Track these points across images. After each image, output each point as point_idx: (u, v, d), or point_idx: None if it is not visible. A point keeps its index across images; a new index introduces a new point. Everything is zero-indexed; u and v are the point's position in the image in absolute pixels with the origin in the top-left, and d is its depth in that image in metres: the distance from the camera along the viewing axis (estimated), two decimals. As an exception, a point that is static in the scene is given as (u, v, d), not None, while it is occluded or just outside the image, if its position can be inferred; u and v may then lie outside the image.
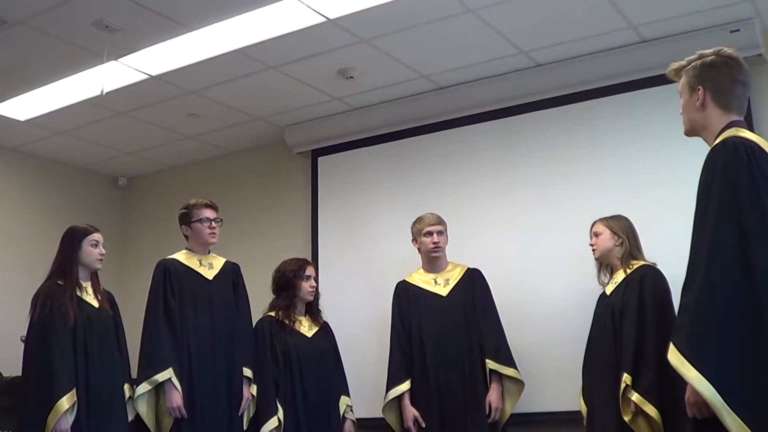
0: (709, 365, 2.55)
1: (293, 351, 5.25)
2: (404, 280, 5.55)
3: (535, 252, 5.74)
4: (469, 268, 5.47)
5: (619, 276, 4.79)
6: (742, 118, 3.02)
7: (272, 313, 5.40)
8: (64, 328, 4.59)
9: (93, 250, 4.86)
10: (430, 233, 5.41)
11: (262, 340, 5.29)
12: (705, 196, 2.78)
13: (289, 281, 5.41)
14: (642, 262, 4.76)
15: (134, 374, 5.02)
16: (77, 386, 4.54)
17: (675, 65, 3.15)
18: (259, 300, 5.56)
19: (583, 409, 4.80)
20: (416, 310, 5.39)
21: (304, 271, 5.43)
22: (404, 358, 5.33)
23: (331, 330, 5.56)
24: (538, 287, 5.65)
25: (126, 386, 4.89)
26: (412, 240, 5.54)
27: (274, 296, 5.49)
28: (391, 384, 5.31)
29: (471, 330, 5.26)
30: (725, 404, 2.50)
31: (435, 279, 5.46)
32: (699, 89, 3.01)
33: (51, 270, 4.81)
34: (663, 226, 5.06)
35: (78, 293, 4.76)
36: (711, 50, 3.06)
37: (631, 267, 4.76)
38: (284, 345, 5.25)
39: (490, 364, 5.15)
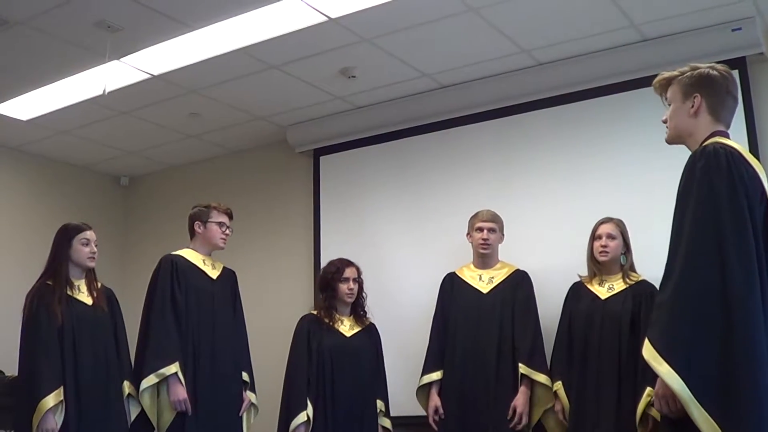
0: (680, 360, 2.62)
1: (327, 350, 5.22)
2: (452, 272, 5.54)
3: (538, 250, 5.72)
4: (517, 269, 5.43)
5: (617, 284, 4.85)
6: (726, 130, 3.07)
7: (314, 311, 5.42)
8: (49, 328, 4.56)
9: (83, 248, 4.81)
10: (481, 229, 5.39)
11: (299, 337, 5.29)
12: (684, 198, 2.85)
13: (328, 283, 5.40)
14: (641, 276, 4.85)
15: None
16: (66, 386, 4.52)
17: (665, 75, 3.18)
18: (261, 297, 5.56)
19: (565, 403, 4.82)
20: (456, 303, 5.39)
21: (342, 273, 5.38)
22: (439, 348, 5.34)
23: (377, 331, 5.51)
24: (542, 285, 5.63)
25: (126, 383, 4.86)
26: (467, 234, 5.52)
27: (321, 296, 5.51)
28: (424, 371, 5.33)
29: (506, 331, 5.21)
30: (693, 398, 2.57)
31: (480, 275, 5.43)
32: (696, 96, 3.04)
33: (44, 269, 4.80)
34: (666, 225, 5.06)
35: (69, 292, 4.73)
36: (705, 64, 3.11)
37: (632, 278, 4.85)
38: (319, 343, 5.23)
39: (522, 368, 5.07)
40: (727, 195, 2.74)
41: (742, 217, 2.72)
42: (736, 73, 4.98)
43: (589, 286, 4.96)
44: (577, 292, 5.00)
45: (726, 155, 2.82)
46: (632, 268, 4.92)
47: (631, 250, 4.94)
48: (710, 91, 3.04)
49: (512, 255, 5.69)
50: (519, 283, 5.36)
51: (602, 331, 4.75)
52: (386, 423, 5.37)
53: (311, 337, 5.25)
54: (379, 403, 5.35)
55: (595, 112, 5.78)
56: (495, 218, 5.44)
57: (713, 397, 2.57)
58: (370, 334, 5.46)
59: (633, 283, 4.82)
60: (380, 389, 5.41)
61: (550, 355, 5.11)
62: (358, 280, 5.44)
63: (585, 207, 5.42)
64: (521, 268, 5.43)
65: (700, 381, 2.59)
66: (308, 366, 5.18)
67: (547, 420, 4.98)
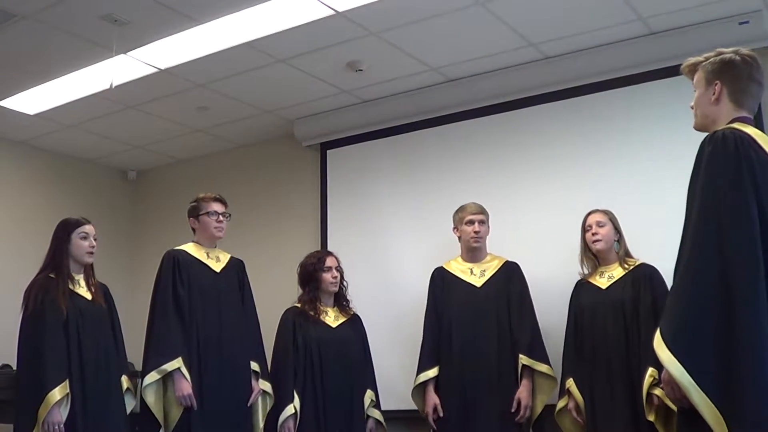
0: (681, 347, 2.65)
1: (314, 341, 5.24)
2: (441, 267, 5.54)
3: (543, 244, 5.72)
4: (507, 261, 5.44)
5: (616, 271, 4.87)
6: (750, 116, 3.05)
7: (298, 304, 5.42)
8: (56, 322, 4.58)
9: (82, 242, 4.82)
10: (472, 222, 5.39)
11: (284, 329, 5.30)
12: (693, 185, 2.87)
13: (311, 274, 5.42)
14: (639, 260, 4.86)
15: (139, 364, 5.04)
16: (71, 379, 4.53)
17: (691, 60, 3.17)
18: (269, 291, 5.58)
19: (579, 399, 4.80)
20: (449, 298, 5.38)
21: (324, 263, 5.42)
22: (434, 344, 5.33)
23: (361, 322, 5.54)
24: (548, 281, 5.64)
25: (124, 378, 4.89)
26: (453, 228, 5.52)
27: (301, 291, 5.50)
28: (420, 368, 5.31)
29: (503, 323, 5.23)
30: (694, 384, 2.59)
31: (471, 269, 5.43)
32: (716, 84, 3.04)
33: (44, 263, 4.81)
34: (674, 218, 5.05)
35: (70, 286, 4.75)
36: (729, 49, 3.10)
37: (629, 263, 4.86)
38: (306, 335, 5.25)
39: (524, 359, 5.10)
40: (730, 182, 2.74)
41: (744, 205, 2.71)
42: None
43: (590, 281, 4.98)
44: (580, 289, 5.03)
45: (735, 140, 2.81)
46: (628, 254, 4.94)
47: (624, 236, 4.96)
48: (731, 78, 3.03)
49: (520, 250, 5.69)
50: (511, 274, 5.38)
51: (606, 321, 4.76)
52: (376, 414, 5.40)
53: (297, 330, 5.27)
54: (370, 393, 5.38)
55: (602, 106, 5.77)
56: (483, 210, 5.45)
57: (714, 383, 2.59)
58: (355, 325, 5.50)
59: (631, 267, 4.85)
60: (369, 380, 5.44)
61: (561, 354, 5.10)
62: (339, 269, 5.47)
63: (593, 200, 5.39)
64: (510, 259, 5.45)
65: (700, 367, 2.61)
66: (294, 359, 5.19)
67: (563, 420, 4.96)
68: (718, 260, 2.68)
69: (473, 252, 5.46)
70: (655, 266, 4.77)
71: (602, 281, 4.89)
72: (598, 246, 4.94)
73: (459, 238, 5.51)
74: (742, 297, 2.62)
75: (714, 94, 3.04)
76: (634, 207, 5.22)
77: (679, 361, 2.62)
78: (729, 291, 2.64)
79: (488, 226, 5.48)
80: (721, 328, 2.62)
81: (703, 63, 3.11)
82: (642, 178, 5.46)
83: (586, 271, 5.05)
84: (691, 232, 2.77)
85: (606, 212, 5.00)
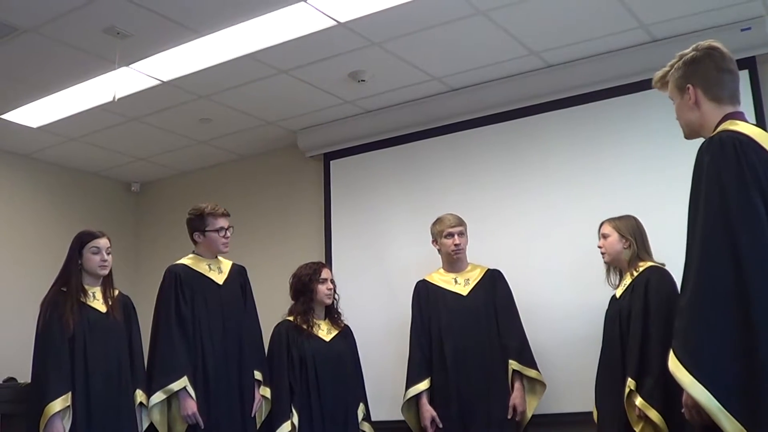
0: (703, 369, 2.52)
1: (309, 355, 5.22)
2: (424, 279, 5.55)
3: (546, 253, 5.72)
4: (489, 269, 5.46)
5: (627, 279, 4.77)
6: (737, 109, 2.97)
7: (290, 318, 5.38)
8: (61, 337, 4.59)
9: (94, 257, 4.82)
10: (451, 235, 5.40)
11: (278, 345, 5.27)
12: (695, 195, 2.77)
13: (306, 285, 5.39)
14: (649, 263, 4.70)
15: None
16: (75, 393, 4.54)
17: (658, 74, 3.11)
18: (273, 303, 5.56)
19: (595, 415, 4.79)
20: (436, 309, 5.38)
21: (320, 274, 5.41)
22: (423, 356, 5.32)
23: (352, 334, 5.53)
24: (549, 288, 5.63)
25: (138, 392, 4.85)
26: (432, 241, 5.54)
27: (293, 302, 5.47)
28: (410, 383, 5.30)
29: (492, 330, 5.26)
30: (721, 408, 2.47)
31: (455, 279, 5.45)
32: (688, 88, 2.97)
33: (57, 276, 4.83)
34: (677, 226, 5.04)
35: (83, 299, 4.76)
36: (690, 48, 3.01)
37: (638, 269, 4.70)
38: (301, 349, 5.23)
39: (514, 365, 5.14)
40: (735, 189, 2.64)
41: (752, 209, 2.62)
42: (745, 73, 5.03)
43: (615, 291, 4.89)
44: (612, 297, 4.94)
45: (733, 143, 2.72)
46: (641, 259, 4.74)
47: (635, 242, 4.77)
48: (701, 77, 2.95)
49: (523, 258, 5.70)
50: (495, 281, 5.41)
51: (613, 330, 4.68)
52: (366, 427, 5.38)
53: (291, 344, 5.24)
54: (361, 407, 5.37)
55: (605, 114, 5.77)
56: (461, 222, 5.47)
57: (742, 405, 2.46)
58: (347, 337, 5.49)
59: (637, 274, 4.69)
60: (361, 393, 5.43)
61: (547, 364, 5.23)
62: (333, 281, 5.45)
63: (596, 208, 5.38)
64: (491, 267, 5.48)
65: (726, 388, 2.48)
66: (290, 374, 5.18)
67: None
68: (731, 268, 2.56)
69: (455, 263, 5.49)
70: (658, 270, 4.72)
71: (618, 291, 4.81)
72: (604, 259, 4.90)
73: (439, 250, 5.53)
74: (759, 307, 2.51)
75: (690, 99, 2.96)
76: (636, 214, 5.20)
77: (702, 384, 2.49)
78: (745, 303, 2.52)
79: (467, 237, 5.49)
80: (742, 345, 2.50)
81: (670, 71, 3.04)
82: (645, 186, 5.45)
83: (613, 283, 4.94)
84: (699, 243, 2.65)
85: (612, 220, 4.88)
